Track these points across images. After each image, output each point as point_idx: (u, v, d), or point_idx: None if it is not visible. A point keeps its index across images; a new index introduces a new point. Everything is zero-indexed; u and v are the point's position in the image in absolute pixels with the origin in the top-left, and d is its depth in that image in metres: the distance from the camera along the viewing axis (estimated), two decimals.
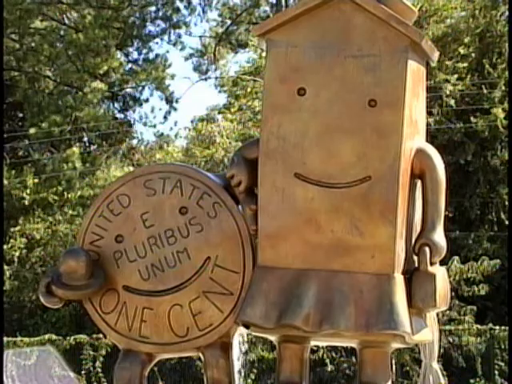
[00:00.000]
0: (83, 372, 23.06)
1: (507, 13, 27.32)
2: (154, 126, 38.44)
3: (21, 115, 37.52)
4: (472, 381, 20.13)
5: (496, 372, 20.63)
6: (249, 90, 29.34)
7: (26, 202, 30.22)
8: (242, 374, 7.41)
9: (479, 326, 21.28)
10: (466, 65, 25.59)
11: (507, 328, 20.57)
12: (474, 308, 21.49)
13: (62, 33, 37.76)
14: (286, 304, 6.39)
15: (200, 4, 38.51)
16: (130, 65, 38.60)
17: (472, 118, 24.80)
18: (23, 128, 36.18)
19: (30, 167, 32.06)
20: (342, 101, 6.43)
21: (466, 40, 26.04)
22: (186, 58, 38.72)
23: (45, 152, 34.40)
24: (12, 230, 28.90)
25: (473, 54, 26.17)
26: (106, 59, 37.56)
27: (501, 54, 26.09)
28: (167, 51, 40.03)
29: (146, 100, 38.33)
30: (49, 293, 6.57)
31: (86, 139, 35.73)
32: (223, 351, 6.64)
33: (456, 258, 19.60)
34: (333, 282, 6.34)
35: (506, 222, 26.23)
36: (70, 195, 30.26)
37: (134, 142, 36.83)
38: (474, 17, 26.90)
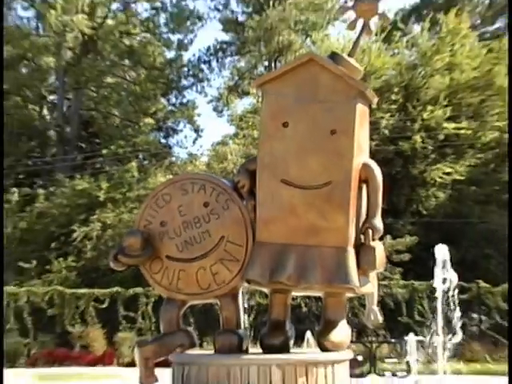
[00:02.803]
0: (139, 313, 22.45)
1: (423, 72, 26.69)
2: (186, 148, 38.33)
3: (97, 141, 37.16)
4: (399, 318, 19.91)
5: (415, 312, 20.32)
6: (250, 123, 29.21)
7: (101, 199, 29.92)
8: (246, 314, 7.22)
9: (404, 282, 21.01)
10: (395, 107, 25.45)
11: (423, 282, 21.71)
12: (401, 269, 21.26)
13: (124, 85, 37.41)
14: (275, 267, 6.72)
15: (217, 66, 38.01)
16: (170, 107, 38.22)
17: (400, 142, 24.52)
18: (99, 149, 35.74)
19: (103, 176, 31.77)
20: (313, 131, 6.75)
21: (395, 90, 26.08)
22: (208, 102, 38.47)
23: (113, 165, 34.05)
24: (91, 217, 28.53)
25: (400, 100, 25.85)
26: (154, 103, 37.23)
27: (418, 99, 25.75)
28: (195, 98, 39.47)
29: (181, 130, 38.52)
30: (116, 260, 7.02)
31: (140, 157, 35.51)
32: (233, 299, 7.01)
33: (389, 236, 19.46)
34: (306, 253, 6.66)
35: (424, 212, 27.59)
36: (130, 194, 29.94)
37: (173, 159, 36.69)
38: (401, 74, 26.48)
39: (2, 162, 19.03)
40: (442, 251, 11.68)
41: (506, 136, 27.47)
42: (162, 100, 39.21)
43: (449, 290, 11.55)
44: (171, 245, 6.82)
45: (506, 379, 15.31)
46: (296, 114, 6.70)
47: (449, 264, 11.68)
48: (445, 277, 11.57)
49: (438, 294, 11.95)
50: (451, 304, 11.66)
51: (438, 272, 11.77)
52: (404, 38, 30.53)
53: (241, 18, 38.41)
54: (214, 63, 39.90)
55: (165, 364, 6.89)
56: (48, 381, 16.09)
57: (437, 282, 12.00)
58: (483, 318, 22.32)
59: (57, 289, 25.13)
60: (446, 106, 26.80)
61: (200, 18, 39.33)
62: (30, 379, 16.70)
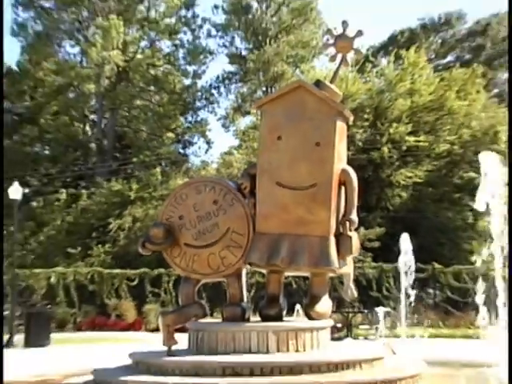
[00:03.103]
0: (162, 289, 22.28)
1: (389, 96, 26.49)
2: (199, 157, 38.25)
3: (129, 151, 36.99)
4: (370, 293, 19.91)
5: (383, 288, 20.34)
6: (251, 137, 29.10)
7: (132, 198, 29.77)
8: (247, 290, 7.15)
9: (374, 264, 20.87)
10: (367, 124, 25.36)
11: (390, 265, 21.19)
12: (372, 254, 21.14)
13: (150, 107, 37.29)
14: (271, 252, 6.72)
15: (224, 91, 37.87)
16: (187, 124, 37.97)
17: (371, 152, 24.37)
18: (130, 158, 35.53)
19: (134, 179, 31.57)
20: (301, 143, 6.77)
21: (367, 110, 25.94)
22: (217, 120, 38.42)
23: (141, 171, 33.86)
24: (124, 212, 28.42)
25: (371, 118, 25.69)
26: (174, 121, 37.10)
27: (386, 118, 25.65)
28: (207, 116, 39.40)
29: (195, 143, 38.43)
30: (144, 247, 7.05)
31: (163, 164, 35.27)
32: (237, 278, 7.05)
33: (362, 227, 19.35)
34: (296, 241, 6.69)
35: (390, 208, 27.31)
36: (155, 194, 29.76)
37: (189, 165, 36.45)
38: (372, 98, 26.33)
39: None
40: (404, 239, 11.64)
41: (456, 147, 27.64)
42: (181, 118, 39.07)
43: (409, 270, 11.50)
44: (188, 234, 6.79)
45: (454, 341, 15.42)
46: (288, 130, 6.68)
47: (410, 250, 11.64)
48: (406, 260, 11.53)
49: (401, 274, 11.91)
50: (411, 282, 11.63)
51: (402, 256, 11.73)
52: (374, 69, 30.44)
53: (243, 53, 38.34)
54: (222, 89, 39.82)
55: (183, 330, 6.93)
56: (90, 343, 16.06)
57: (400, 264, 11.96)
58: (437, 292, 22.25)
59: (96, 269, 24.99)
60: (408, 123, 26.64)
61: (211, 53, 39.21)
62: (76, 342, 16.77)
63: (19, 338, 16.54)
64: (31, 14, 37.24)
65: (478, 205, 5.47)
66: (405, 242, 11.53)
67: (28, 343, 16.03)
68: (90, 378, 6.58)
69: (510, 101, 20.96)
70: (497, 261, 4.26)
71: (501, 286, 4.25)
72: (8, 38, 40.10)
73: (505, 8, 39.45)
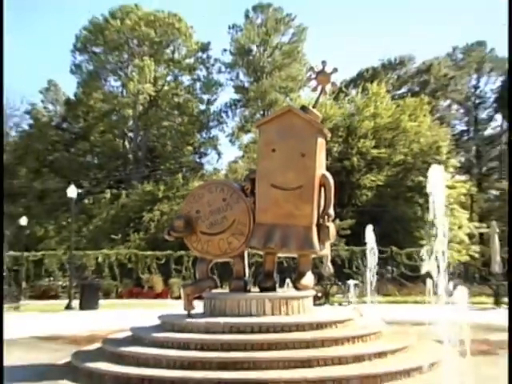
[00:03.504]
0: (183, 266, 22.27)
1: (358, 118, 26.36)
2: (212, 165, 38.22)
3: (158, 160, 36.93)
4: (343, 270, 19.94)
5: (353, 266, 20.38)
6: (251, 149, 28.98)
7: (160, 197, 29.66)
8: (248, 268, 7.14)
9: (346, 247, 20.74)
10: (341, 139, 25.09)
11: (358, 248, 21.19)
12: (345, 240, 21.01)
13: (174, 127, 37.39)
14: (267, 238, 6.66)
15: (231, 114, 38.09)
16: (202, 139, 37.90)
17: (344, 161, 24.24)
18: (159, 166, 35.51)
19: (161, 182, 31.55)
20: (291, 154, 6.72)
21: (341, 129, 25.69)
22: (226, 136, 38.33)
23: (167, 176, 33.84)
24: (154, 208, 28.40)
25: (344, 135, 25.62)
26: (192, 137, 37.21)
27: (355, 135, 25.59)
28: (218, 134, 39.48)
29: (209, 154, 38.56)
30: (169, 234, 6.99)
31: (184, 170, 35.06)
32: (241, 258, 6.95)
33: (337, 219, 19.24)
34: (287, 230, 6.65)
35: (359, 204, 26.95)
36: (177, 194, 29.74)
37: (204, 171, 36.28)
38: (344, 120, 26.27)
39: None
40: (369, 229, 11.60)
41: (408, 158, 27.58)
42: (197, 135, 39.08)
43: (373, 252, 11.49)
44: (202, 225, 6.71)
45: (407, 306, 15.42)
46: (280, 144, 6.61)
47: (373, 236, 11.62)
48: (371, 244, 11.52)
49: (367, 255, 11.90)
50: (375, 261, 11.61)
51: (367, 241, 11.71)
52: (346, 97, 30.35)
53: (246, 85, 38.30)
54: (229, 113, 39.76)
55: (199, 298, 6.84)
56: (128, 308, 16.03)
57: (366, 247, 11.93)
58: (394, 269, 22.20)
59: (133, 251, 24.97)
60: (372, 139, 26.67)
61: (220, 85, 39.18)
62: (118, 307, 16.77)
63: (75, 302, 16.65)
64: (85, 57, 37.43)
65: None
66: (369, 230, 11.51)
67: (82, 307, 16.15)
68: (129, 334, 6.54)
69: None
70: (438, 244, 4.28)
71: (441, 262, 4.25)
72: (67, 75, 40.56)
73: (444, 52, 39.82)
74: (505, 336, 8.39)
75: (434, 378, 4.85)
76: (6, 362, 6.45)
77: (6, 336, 7.71)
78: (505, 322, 9.80)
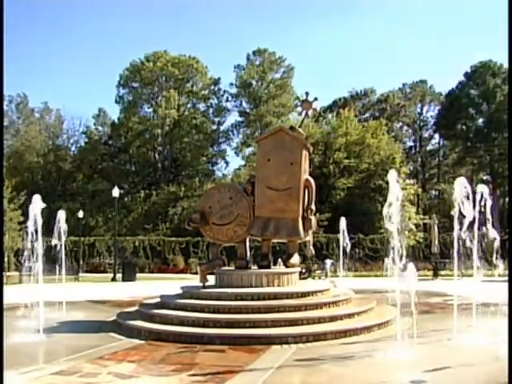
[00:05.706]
0: (200, 249, 22.13)
1: (333, 136, 26.13)
2: (221, 172, 37.78)
3: (180, 168, 36.60)
4: (323, 252, 19.79)
5: (330, 249, 20.08)
6: (252, 160, 28.85)
7: (181, 196, 29.42)
8: (249, 250, 7.10)
9: (324, 234, 21.12)
10: (320, 152, 25.11)
11: (334, 235, 19.51)
12: (323, 229, 20.86)
13: (193, 142, 37.42)
14: (263, 228, 6.66)
15: (236, 133, 38.04)
16: (213, 152, 37.71)
17: (323, 169, 24.17)
18: (181, 172, 35.29)
19: (182, 185, 31.27)
20: (282, 163, 6.65)
21: (320, 144, 25.51)
22: (232, 149, 38.27)
23: (187, 180, 33.62)
24: (177, 204, 28.31)
25: (322, 148, 25.57)
26: (206, 150, 36.94)
27: (331, 148, 25.51)
28: (226, 147, 39.38)
29: (219, 163, 38.43)
30: (188, 225, 6.98)
31: (200, 175, 34.83)
32: (244, 243, 6.93)
33: (317, 213, 19.15)
34: (279, 221, 6.63)
35: (334, 202, 25.96)
36: (195, 193, 29.59)
37: (215, 177, 35.99)
38: (323, 137, 26.21)
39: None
40: (342, 220, 11.61)
41: (371, 166, 27.71)
42: (210, 149, 39.03)
43: (345, 238, 11.49)
44: (214, 217, 6.66)
45: (370, 279, 15.41)
46: (273, 155, 6.56)
47: (345, 226, 11.63)
48: (344, 233, 11.51)
49: (340, 240, 11.89)
50: (346, 245, 11.62)
51: (340, 230, 11.70)
52: (324, 120, 30.52)
53: (247, 110, 38.29)
54: (234, 132, 39.76)
55: (211, 274, 6.79)
56: (158, 280, 16.00)
57: (340, 236, 11.92)
58: (361, 251, 22.20)
59: (161, 238, 24.95)
60: (344, 151, 26.73)
61: (228, 110, 39.17)
62: (150, 280, 16.78)
63: (119, 276, 16.63)
64: (126, 90, 37.42)
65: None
66: (342, 222, 11.51)
67: (124, 279, 16.14)
68: (158, 300, 6.51)
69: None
70: (393, 233, 4.32)
71: (396, 245, 4.28)
72: (113, 104, 40.73)
73: (397, 87, 40.01)
74: (440, 299, 8.49)
75: (389, 332, 4.96)
76: (71, 318, 6.54)
77: (69, 299, 7.73)
78: (440, 289, 9.88)
